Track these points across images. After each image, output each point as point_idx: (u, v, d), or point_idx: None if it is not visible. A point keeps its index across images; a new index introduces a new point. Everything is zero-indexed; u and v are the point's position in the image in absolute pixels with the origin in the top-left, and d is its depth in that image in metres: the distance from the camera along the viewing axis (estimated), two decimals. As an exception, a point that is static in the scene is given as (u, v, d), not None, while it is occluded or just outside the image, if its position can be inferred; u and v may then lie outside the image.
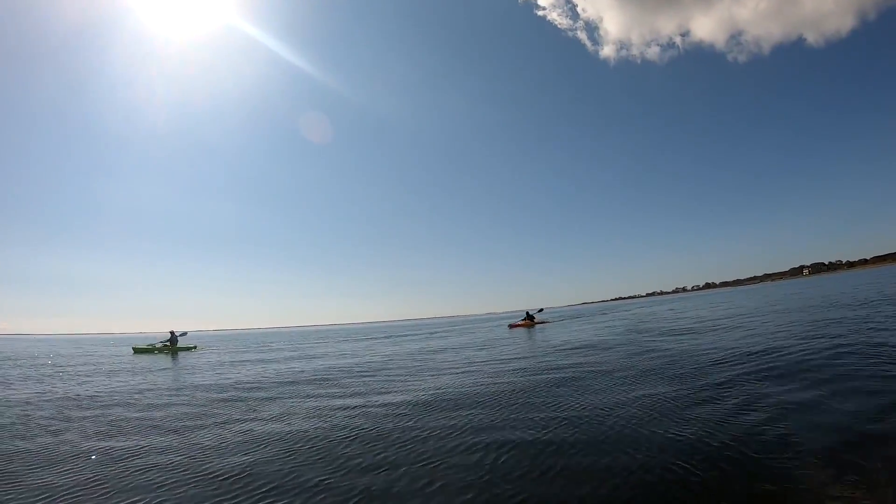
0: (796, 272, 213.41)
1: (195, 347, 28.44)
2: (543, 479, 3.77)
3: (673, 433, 4.66)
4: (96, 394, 9.91)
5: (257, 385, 10.46)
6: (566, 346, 14.50)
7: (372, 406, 7.24)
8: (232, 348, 29.54)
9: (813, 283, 72.40)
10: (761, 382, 6.58)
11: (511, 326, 30.85)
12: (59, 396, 9.67)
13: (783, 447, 4.05)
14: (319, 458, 4.68)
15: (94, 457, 5.09)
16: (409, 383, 9.36)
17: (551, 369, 9.75)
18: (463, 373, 10.42)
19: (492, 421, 5.71)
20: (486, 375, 9.70)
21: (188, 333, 27.50)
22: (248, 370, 14.22)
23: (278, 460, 4.67)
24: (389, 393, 8.37)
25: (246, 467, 4.48)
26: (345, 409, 7.15)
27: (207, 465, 4.59)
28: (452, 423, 5.75)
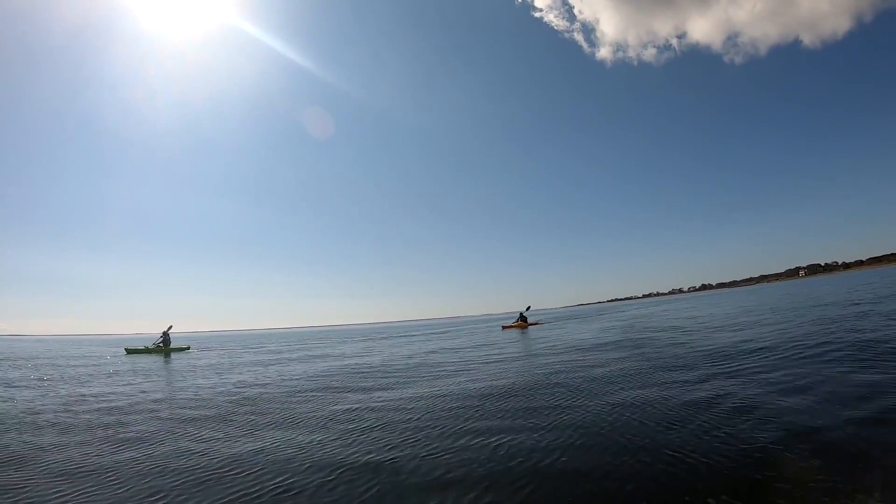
0: (792, 273, 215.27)
1: (188, 348, 28.34)
2: (540, 479, 3.92)
3: (663, 433, 4.86)
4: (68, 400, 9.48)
5: (251, 389, 10.44)
6: (558, 348, 14.73)
7: (366, 410, 7.35)
8: (228, 349, 29.46)
9: (808, 284, 73.25)
10: (752, 380, 6.83)
11: (504, 328, 30.87)
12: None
13: (771, 443, 4.28)
14: (317, 465, 4.83)
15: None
16: (405, 387, 9.50)
17: (542, 372, 9.93)
18: (459, 374, 10.61)
19: (486, 425, 5.82)
20: (477, 380, 9.87)
21: (172, 327, 27.36)
22: (242, 372, 14.23)
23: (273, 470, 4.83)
24: (387, 396, 8.51)
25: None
26: (345, 411, 7.24)
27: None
28: (445, 427, 5.91)
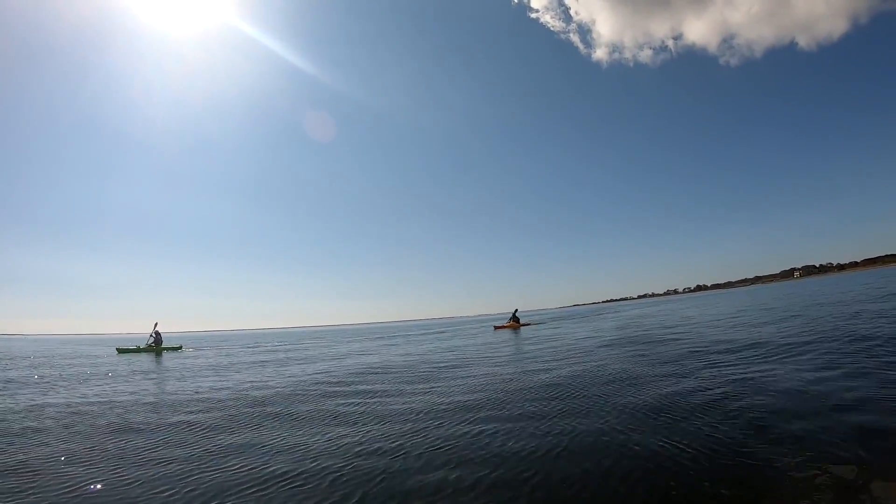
0: (787, 274, 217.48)
1: (180, 348, 28.32)
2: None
3: (652, 432, 5.04)
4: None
5: (244, 388, 10.46)
6: (546, 348, 14.93)
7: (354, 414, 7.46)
8: (221, 348, 29.53)
9: (803, 284, 74.12)
10: (746, 377, 7.04)
11: (496, 328, 31.03)
12: None
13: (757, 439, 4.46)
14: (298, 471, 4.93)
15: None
16: (402, 386, 9.59)
17: (534, 372, 10.12)
18: (453, 373, 10.78)
19: (479, 428, 5.96)
20: (468, 381, 10.02)
21: (158, 324, 27.31)
22: (232, 374, 14.26)
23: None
24: (383, 396, 8.61)
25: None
26: (332, 416, 7.27)
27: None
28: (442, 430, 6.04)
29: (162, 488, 4.01)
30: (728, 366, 8.11)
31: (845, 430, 4.24)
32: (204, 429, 6.19)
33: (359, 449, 4.86)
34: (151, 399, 8.96)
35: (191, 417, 6.96)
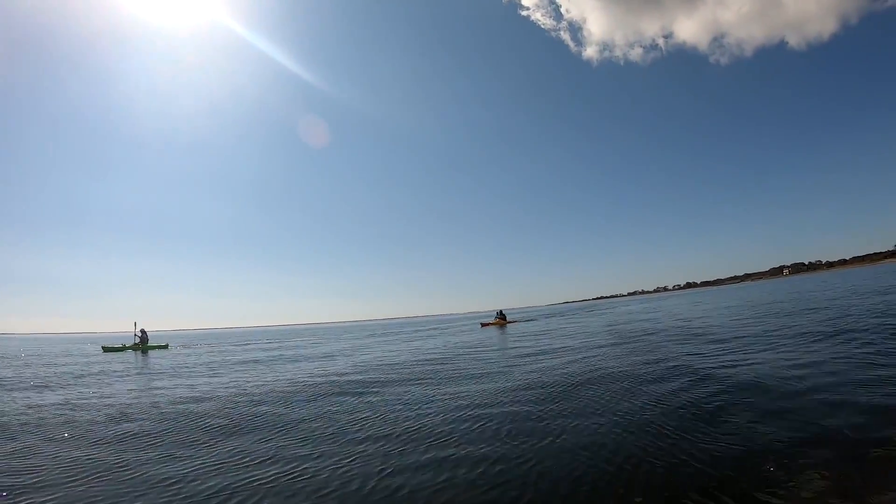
0: (776, 272, 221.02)
1: (167, 346, 28.53)
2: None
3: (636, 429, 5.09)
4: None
5: (225, 388, 10.50)
6: (535, 344, 15.05)
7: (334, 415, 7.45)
8: (207, 346, 29.77)
9: (791, 282, 75.35)
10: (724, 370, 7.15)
11: (483, 325, 31.68)
12: None
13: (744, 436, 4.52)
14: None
15: None
16: (396, 386, 9.61)
17: (517, 368, 10.18)
18: (444, 367, 10.83)
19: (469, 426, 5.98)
20: (457, 375, 10.06)
21: (137, 324, 27.43)
22: (218, 373, 14.23)
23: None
24: (378, 396, 8.62)
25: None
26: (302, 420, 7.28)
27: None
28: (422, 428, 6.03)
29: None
30: (713, 358, 8.26)
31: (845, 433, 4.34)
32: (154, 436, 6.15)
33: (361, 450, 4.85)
34: (112, 402, 8.89)
35: (137, 426, 6.88)
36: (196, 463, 4.40)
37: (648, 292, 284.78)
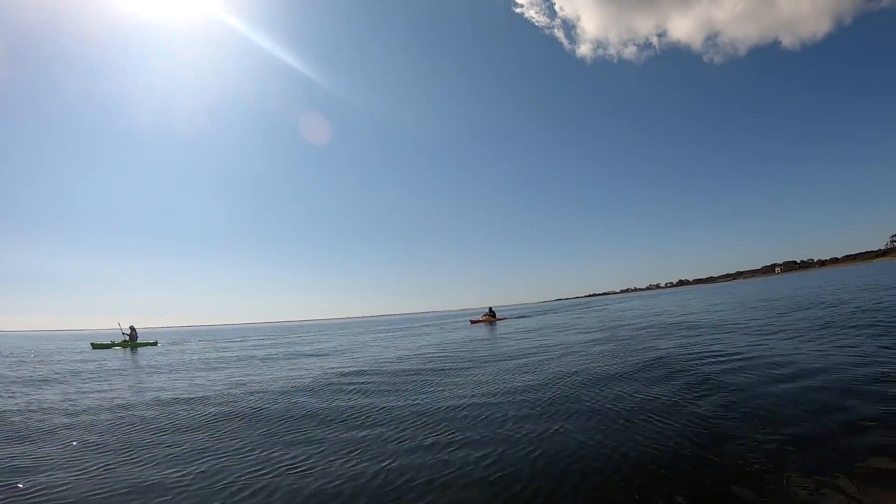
0: (768, 270, 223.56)
1: (156, 343, 28.61)
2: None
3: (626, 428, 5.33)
4: None
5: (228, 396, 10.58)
6: (521, 342, 15.31)
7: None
8: (196, 343, 29.82)
9: (783, 280, 76.46)
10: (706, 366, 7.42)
11: (472, 322, 32.00)
12: None
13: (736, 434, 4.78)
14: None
15: None
16: (390, 385, 9.76)
17: (504, 363, 10.41)
18: (434, 363, 11.02)
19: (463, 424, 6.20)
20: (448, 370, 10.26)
21: (120, 323, 27.74)
22: (211, 372, 14.27)
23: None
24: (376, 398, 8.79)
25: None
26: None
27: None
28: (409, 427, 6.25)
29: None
30: (697, 353, 8.52)
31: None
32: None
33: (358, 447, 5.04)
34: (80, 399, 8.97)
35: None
36: (195, 452, 4.58)
37: (641, 290, 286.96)
